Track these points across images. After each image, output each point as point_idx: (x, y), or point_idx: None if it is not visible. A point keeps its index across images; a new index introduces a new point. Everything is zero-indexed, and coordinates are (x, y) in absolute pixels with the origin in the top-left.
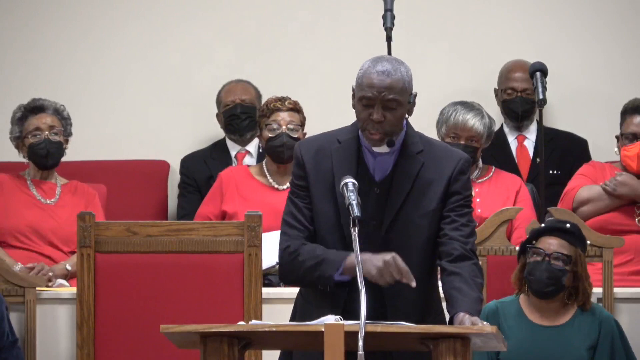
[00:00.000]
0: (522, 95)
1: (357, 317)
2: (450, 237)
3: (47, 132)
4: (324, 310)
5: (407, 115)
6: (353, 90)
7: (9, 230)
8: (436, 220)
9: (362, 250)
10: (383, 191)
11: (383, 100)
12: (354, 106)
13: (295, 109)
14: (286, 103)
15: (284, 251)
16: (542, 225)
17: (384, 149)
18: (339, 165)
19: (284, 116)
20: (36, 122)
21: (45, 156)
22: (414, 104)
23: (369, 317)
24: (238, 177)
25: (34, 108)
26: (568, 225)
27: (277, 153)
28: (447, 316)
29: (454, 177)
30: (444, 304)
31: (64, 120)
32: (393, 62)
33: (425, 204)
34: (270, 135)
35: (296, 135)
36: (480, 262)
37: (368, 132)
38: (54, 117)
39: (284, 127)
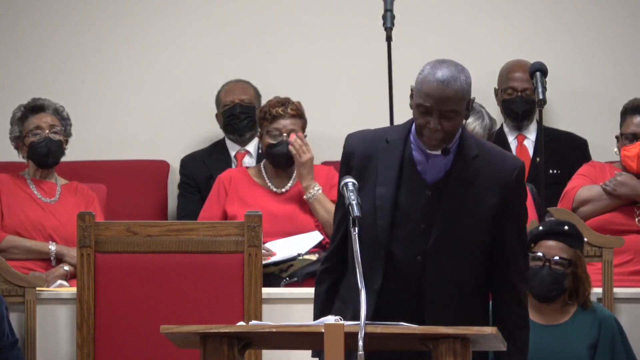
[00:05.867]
0: (522, 95)
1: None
2: (507, 278)
3: (47, 131)
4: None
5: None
6: (412, 90)
7: (11, 227)
8: (489, 230)
9: (408, 250)
10: (435, 194)
11: (441, 110)
12: (411, 106)
13: (298, 114)
14: (289, 109)
15: (320, 264)
16: (540, 228)
17: (438, 151)
18: (383, 167)
19: (285, 124)
20: (36, 122)
21: (46, 154)
22: (471, 109)
23: (407, 321)
24: (237, 180)
25: (34, 107)
26: (566, 227)
27: (277, 161)
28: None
29: (511, 187)
30: None
31: (64, 120)
32: (453, 69)
33: (478, 212)
34: (271, 142)
35: None
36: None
37: (425, 138)
38: (54, 116)
39: (285, 134)
